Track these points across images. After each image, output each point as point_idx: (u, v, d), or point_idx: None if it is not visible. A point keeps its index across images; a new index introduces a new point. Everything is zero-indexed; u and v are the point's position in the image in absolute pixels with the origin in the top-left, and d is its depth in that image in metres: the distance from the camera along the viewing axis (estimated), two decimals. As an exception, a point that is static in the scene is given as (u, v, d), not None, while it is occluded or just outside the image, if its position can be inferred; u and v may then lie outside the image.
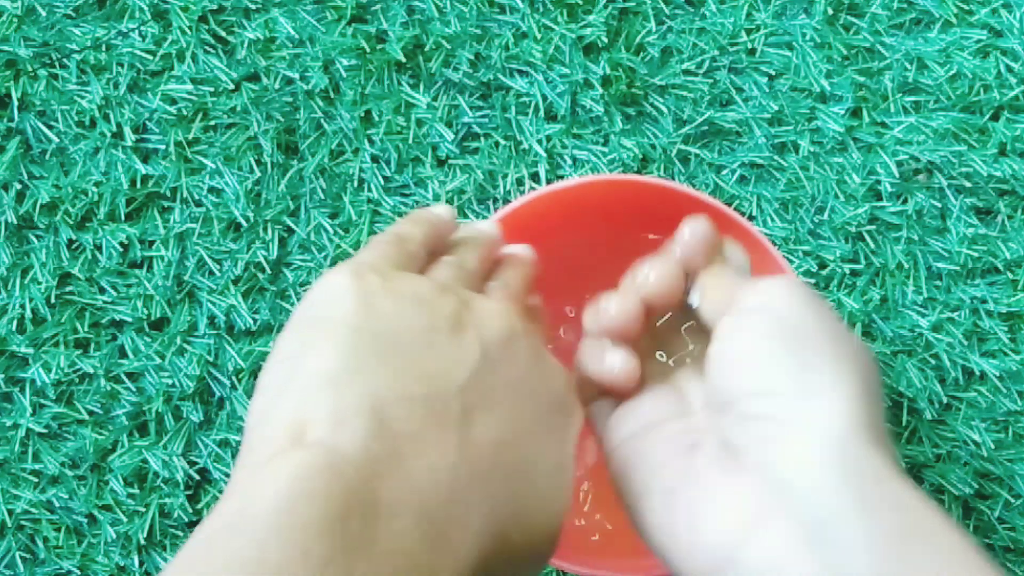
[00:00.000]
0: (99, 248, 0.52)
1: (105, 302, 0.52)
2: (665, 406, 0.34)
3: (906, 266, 0.53)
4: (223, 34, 0.54)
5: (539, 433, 0.30)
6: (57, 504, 0.51)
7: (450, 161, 0.53)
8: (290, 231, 0.53)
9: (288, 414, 0.27)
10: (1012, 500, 0.51)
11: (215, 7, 0.54)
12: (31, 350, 0.51)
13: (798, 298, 0.32)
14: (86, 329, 0.52)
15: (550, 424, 0.31)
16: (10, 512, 0.51)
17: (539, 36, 0.54)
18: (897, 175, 0.53)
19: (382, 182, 0.53)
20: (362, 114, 0.53)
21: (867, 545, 0.27)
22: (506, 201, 0.53)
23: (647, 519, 0.32)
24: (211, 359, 0.52)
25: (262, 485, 0.25)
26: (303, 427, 0.26)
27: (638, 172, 0.53)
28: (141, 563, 0.50)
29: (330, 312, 0.30)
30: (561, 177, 0.53)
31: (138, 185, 0.53)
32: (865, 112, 0.54)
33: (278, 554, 0.23)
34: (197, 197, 0.53)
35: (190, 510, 0.51)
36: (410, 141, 0.53)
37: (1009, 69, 0.54)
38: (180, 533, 0.51)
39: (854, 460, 0.29)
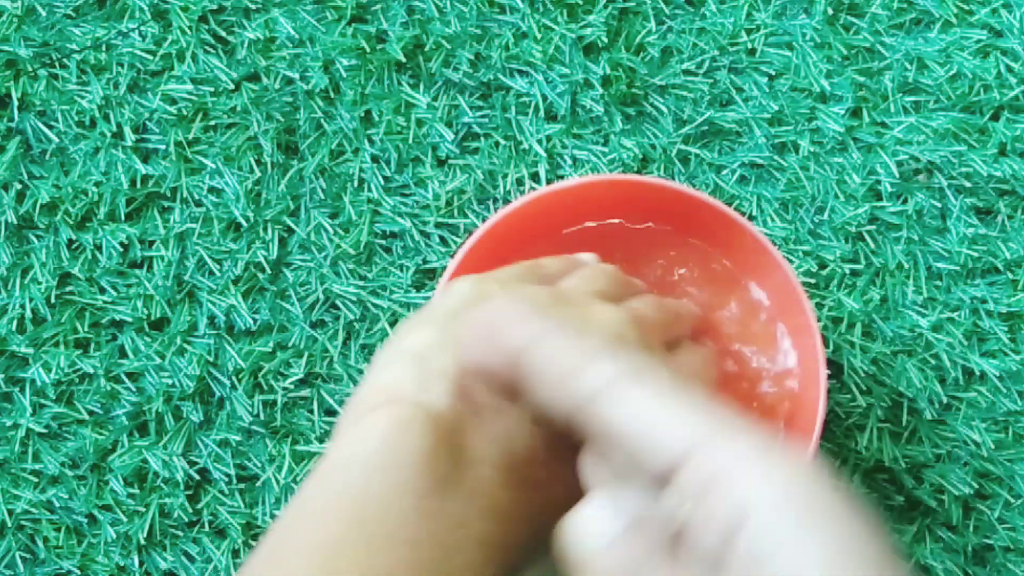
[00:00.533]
0: (99, 248, 0.52)
1: (105, 302, 0.52)
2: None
3: (906, 266, 0.53)
4: (223, 34, 0.54)
5: None
6: (57, 504, 0.51)
7: (450, 161, 0.53)
8: (290, 231, 0.53)
9: (386, 381, 0.31)
10: (1012, 500, 0.51)
11: (215, 7, 0.54)
12: (31, 350, 0.51)
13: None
14: (86, 329, 0.52)
15: None
16: (10, 512, 0.51)
17: (539, 36, 0.54)
18: (897, 175, 0.53)
19: (382, 182, 0.53)
20: (362, 114, 0.53)
21: None
22: (506, 201, 0.53)
23: None
24: (211, 359, 0.52)
25: (365, 431, 0.28)
26: (397, 390, 0.30)
27: (638, 172, 0.53)
28: (141, 563, 0.50)
29: (439, 306, 0.33)
30: (561, 177, 0.53)
31: (138, 185, 0.53)
32: (865, 112, 0.54)
33: (382, 486, 0.27)
34: (197, 197, 0.53)
35: (190, 510, 0.51)
36: (410, 141, 0.53)
37: (1009, 69, 0.54)
38: (180, 533, 0.51)
39: None
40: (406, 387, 0.30)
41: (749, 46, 0.55)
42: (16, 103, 0.53)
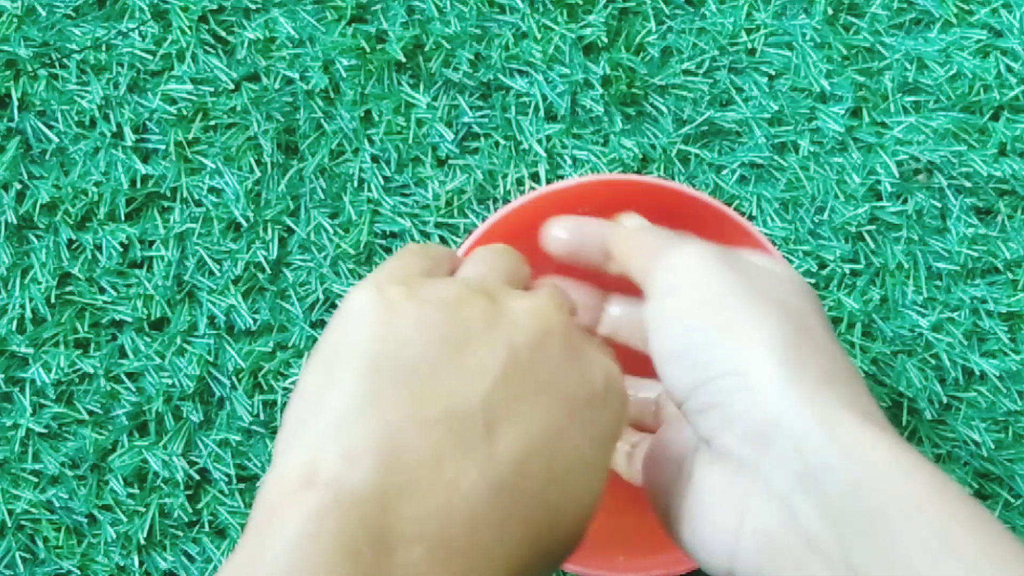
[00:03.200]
0: (99, 248, 0.52)
1: (105, 302, 0.52)
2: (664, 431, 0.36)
3: (906, 266, 0.53)
4: (223, 34, 0.54)
5: (573, 433, 0.29)
6: (57, 504, 0.51)
7: (450, 161, 0.53)
8: (290, 231, 0.53)
9: (302, 455, 0.26)
10: (1012, 500, 0.51)
11: (215, 7, 0.54)
12: (31, 350, 0.51)
13: (710, 264, 0.33)
14: (86, 329, 0.52)
15: (585, 421, 0.30)
16: (10, 512, 0.51)
17: (539, 36, 0.54)
18: (897, 175, 0.53)
19: (382, 182, 0.53)
20: (362, 114, 0.53)
21: (850, 478, 0.27)
22: (506, 201, 0.53)
23: (675, 539, 0.33)
24: (211, 359, 0.52)
25: (274, 528, 0.25)
26: (315, 468, 0.26)
27: (638, 172, 0.53)
28: (141, 563, 0.50)
29: (350, 338, 0.29)
30: (561, 177, 0.53)
31: (138, 185, 0.53)
32: (865, 112, 0.54)
33: None
34: (197, 197, 0.53)
35: (190, 510, 0.51)
36: (410, 141, 0.53)
37: (1009, 69, 0.54)
38: (180, 533, 0.51)
39: (800, 406, 0.29)
40: (327, 465, 0.26)
41: (749, 46, 0.55)
42: (16, 103, 0.53)
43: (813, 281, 0.53)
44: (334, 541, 0.24)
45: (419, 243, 0.38)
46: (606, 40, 0.54)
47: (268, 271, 0.52)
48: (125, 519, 0.50)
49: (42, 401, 0.51)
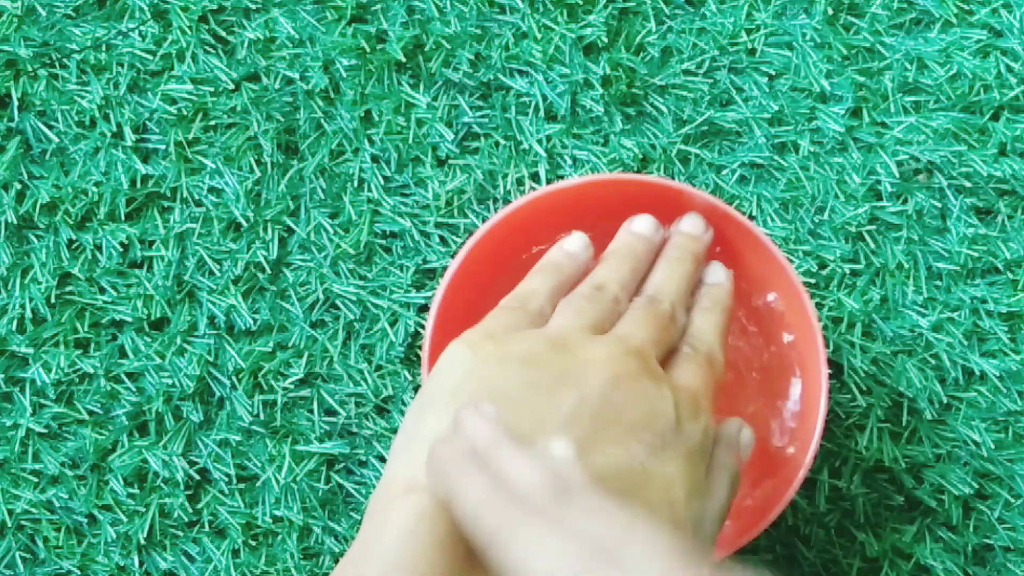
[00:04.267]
0: (99, 248, 0.52)
1: (105, 302, 0.52)
2: None
3: (906, 266, 0.53)
4: (223, 34, 0.54)
5: (649, 459, 0.33)
6: (57, 504, 0.51)
7: (450, 161, 0.53)
8: (290, 231, 0.53)
9: (405, 468, 0.33)
10: (1012, 500, 0.51)
11: (215, 7, 0.54)
12: (31, 350, 0.51)
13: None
14: (86, 329, 0.52)
15: (663, 449, 0.34)
16: (10, 512, 0.51)
17: (539, 36, 0.54)
18: (897, 175, 0.53)
19: (382, 182, 0.53)
20: (362, 114, 0.53)
21: None
22: (506, 201, 0.53)
23: None
24: (211, 359, 0.52)
25: (382, 526, 0.30)
26: (415, 478, 0.31)
27: (638, 172, 0.53)
28: (141, 563, 0.50)
29: (442, 381, 0.35)
30: (561, 177, 0.53)
31: (138, 185, 0.53)
32: (865, 112, 0.54)
33: (407, 571, 0.29)
34: (197, 197, 0.53)
35: (190, 510, 0.51)
36: (410, 141, 0.53)
37: (1009, 69, 0.54)
38: (180, 533, 0.51)
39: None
40: (422, 476, 0.31)
41: (749, 46, 0.55)
42: (16, 103, 0.53)
43: (813, 281, 0.53)
44: (431, 536, 0.29)
45: (540, 266, 0.41)
46: (606, 40, 0.54)
47: (268, 271, 0.52)
48: (125, 519, 0.50)
49: (42, 401, 0.51)
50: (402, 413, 0.52)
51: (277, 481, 0.51)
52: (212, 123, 0.53)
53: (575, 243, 0.43)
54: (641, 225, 0.43)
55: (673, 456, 0.34)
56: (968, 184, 0.53)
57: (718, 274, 0.44)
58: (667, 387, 0.36)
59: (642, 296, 0.40)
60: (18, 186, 0.53)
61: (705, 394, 0.38)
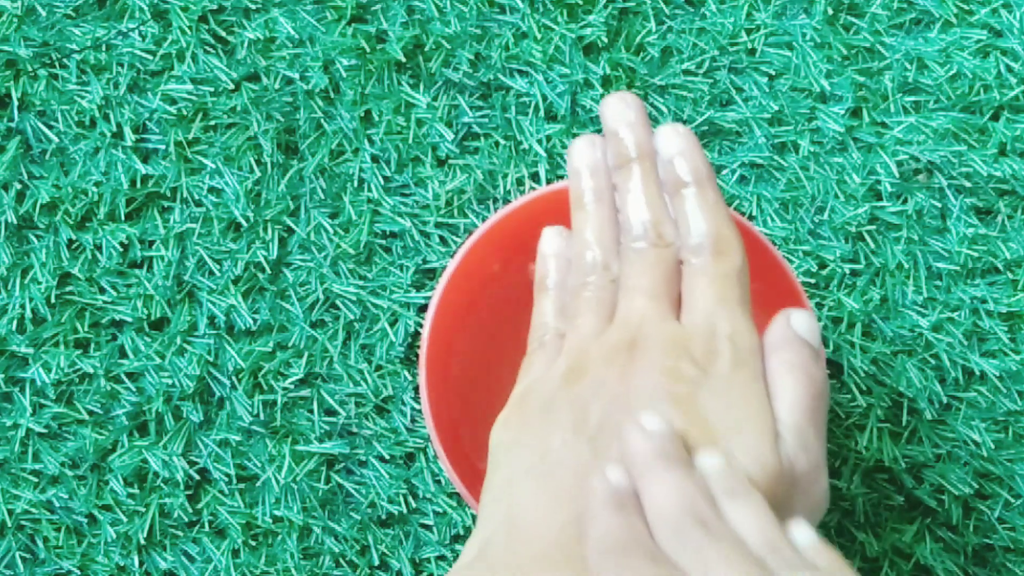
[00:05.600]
0: (99, 248, 0.52)
1: (105, 302, 0.52)
2: None
3: (906, 266, 0.53)
4: (223, 34, 0.54)
5: (710, 417, 0.33)
6: (57, 504, 0.51)
7: (450, 161, 0.53)
8: (290, 231, 0.53)
9: (477, 535, 0.34)
10: (1012, 500, 0.51)
11: (215, 7, 0.54)
12: (31, 350, 0.51)
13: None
14: (86, 329, 0.52)
15: (712, 396, 0.34)
16: (10, 512, 0.51)
17: (539, 36, 0.54)
18: (897, 175, 0.53)
19: (382, 182, 0.53)
20: (362, 114, 0.53)
21: None
22: (506, 201, 0.53)
23: None
24: (211, 359, 0.52)
25: None
26: (485, 545, 0.32)
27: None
28: (141, 563, 0.50)
29: (494, 463, 0.36)
30: (561, 177, 0.53)
31: (138, 185, 0.53)
32: (865, 112, 0.54)
33: None
34: (197, 197, 0.53)
35: (190, 510, 0.51)
36: (410, 141, 0.53)
37: (1009, 69, 0.54)
38: (180, 533, 0.51)
39: None
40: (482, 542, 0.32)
41: (749, 46, 0.55)
42: (16, 103, 0.53)
43: (813, 281, 0.53)
44: None
45: (532, 344, 0.39)
46: (606, 40, 0.54)
47: (268, 271, 0.52)
48: (125, 519, 0.50)
49: (42, 401, 0.51)
50: (402, 413, 0.52)
51: (277, 481, 0.51)
52: (212, 123, 0.53)
53: (551, 243, 0.40)
54: (580, 158, 0.39)
55: (723, 398, 0.33)
56: (968, 184, 0.53)
57: (671, 141, 0.37)
58: (678, 342, 0.34)
59: (623, 245, 0.37)
60: (18, 186, 0.53)
61: (722, 303, 0.35)
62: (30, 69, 0.54)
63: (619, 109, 0.38)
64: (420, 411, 0.51)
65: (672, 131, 0.37)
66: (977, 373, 0.52)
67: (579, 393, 0.34)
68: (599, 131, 0.54)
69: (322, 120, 0.53)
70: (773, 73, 0.54)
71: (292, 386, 0.52)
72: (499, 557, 0.32)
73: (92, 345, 0.52)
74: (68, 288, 0.52)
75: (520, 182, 0.53)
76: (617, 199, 0.37)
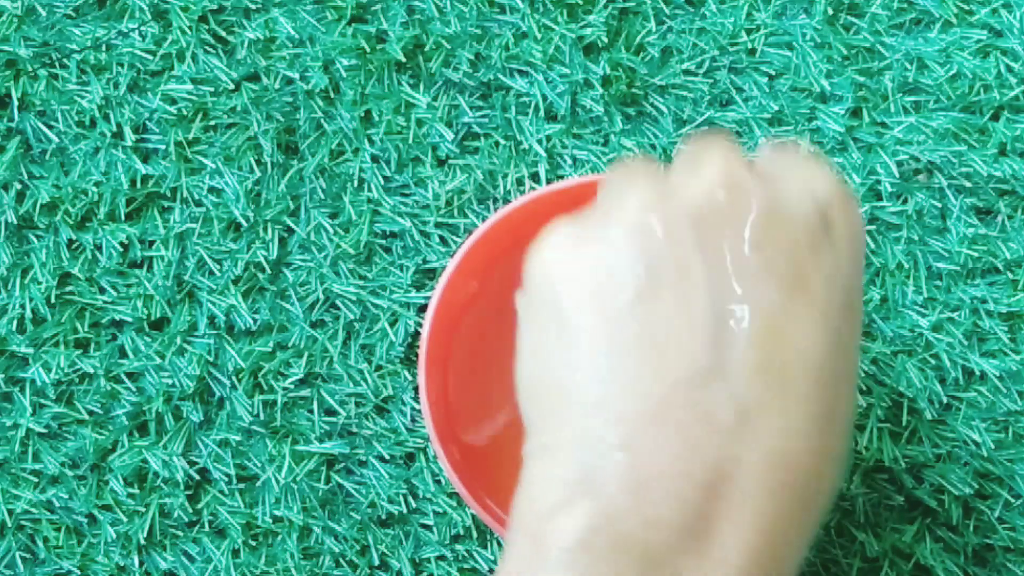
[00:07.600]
0: (99, 248, 0.52)
1: (105, 302, 0.52)
2: None
3: (906, 266, 0.53)
4: (223, 34, 0.54)
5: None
6: (57, 504, 0.51)
7: (450, 161, 0.53)
8: (290, 231, 0.53)
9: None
10: (1012, 500, 0.51)
11: (215, 7, 0.54)
12: (31, 350, 0.51)
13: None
14: (86, 329, 0.52)
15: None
16: (10, 512, 0.51)
17: (539, 36, 0.54)
18: (897, 175, 0.53)
19: (382, 182, 0.53)
20: (362, 114, 0.53)
21: None
22: (506, 201, 0.53)
23: None
24: (211, 359, 0.52)
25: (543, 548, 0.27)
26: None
27: (638, 172, 0.53)
28: (141, 563, 0.50)
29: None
30: (561, 177, 0.53)
31: (138, 185, 0.53)
32: (865, 112, 0.54)
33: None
34: (197, 197, 0.53)
35: (190, 510, 0.51)
36: (410, 141, 0.53)
37: (1009, 69, 0.54)
38: (180, 533, 0.51)
39: None
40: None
41: (749, 46, 0.55)
42: (16, 103, 0.53)
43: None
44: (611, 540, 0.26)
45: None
46: (606, 40, 0.54)
47: (268, 271, 0.52)
48: (125, 519, 0.50)
49: (42, 401, 0.51)
50: (402, 413, 0.52)
51: (277, 481, 0.51)
52: (212, 123, 0.53)
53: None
54: None
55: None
56: (968, 184, 0.53)
57: None
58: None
59: None
60: (18, 186, 0.53)
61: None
62: (30, 69, 0.54)
63: None
64: (420, 411, 0.51)
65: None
66: (977, 373, 0.52)
67: None
68: (599, 131, 0.54)
69: (322, 120, 0.53)
70: (773, 73, 0.54)
71: (292, 386, 0.52)
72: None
73: (92, 345, 0.52)
74: (68, 288, 0.52)
75: (520, 182, 0.53)
76: None
